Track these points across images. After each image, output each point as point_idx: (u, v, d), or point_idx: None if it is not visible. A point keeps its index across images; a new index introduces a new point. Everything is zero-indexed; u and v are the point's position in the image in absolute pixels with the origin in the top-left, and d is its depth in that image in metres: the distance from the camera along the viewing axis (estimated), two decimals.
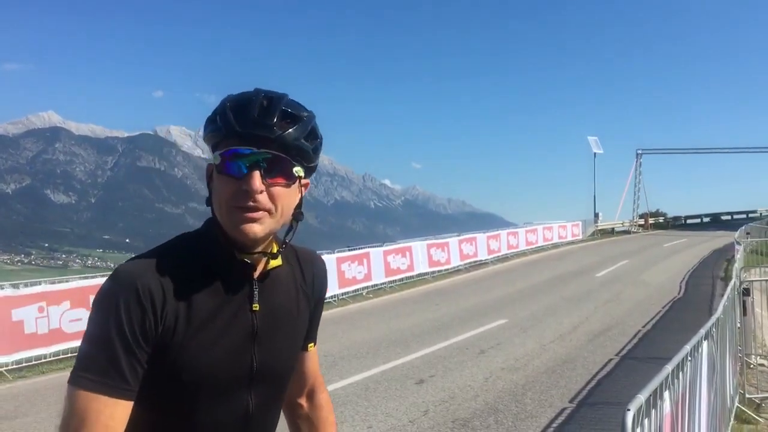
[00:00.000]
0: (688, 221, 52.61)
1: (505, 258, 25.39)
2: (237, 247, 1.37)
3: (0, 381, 9.08)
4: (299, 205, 1.44)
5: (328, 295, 11.83)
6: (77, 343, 9.19)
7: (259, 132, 1.31)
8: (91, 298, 10.23)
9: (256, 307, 1.42)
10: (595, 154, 46.51)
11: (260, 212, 1.32)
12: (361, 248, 18.06)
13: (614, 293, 15.95)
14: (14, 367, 9.41)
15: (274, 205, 1.34)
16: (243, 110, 1.33)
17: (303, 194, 1.45)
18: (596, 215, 42.24)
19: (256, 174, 1.31)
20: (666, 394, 2.73)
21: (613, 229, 43.45)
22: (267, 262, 1.44)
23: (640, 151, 52.21)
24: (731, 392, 6.16)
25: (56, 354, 9.92)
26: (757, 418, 6.56)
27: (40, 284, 10.80)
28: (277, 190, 1.34)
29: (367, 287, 16.96)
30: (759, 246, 21.32)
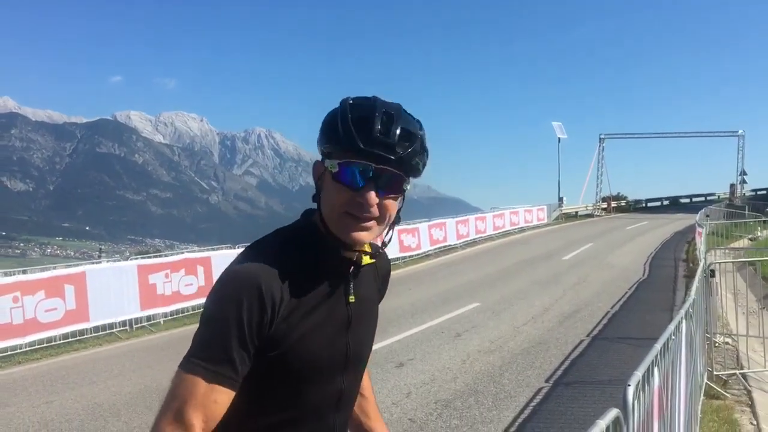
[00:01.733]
0: (649, 204, 53.80)
1: (473, 242, 25.72)
2: (340, 244, 1.47)
3: None
4: (399, 210, 1.52)
5: None
6: (53, 332, 9.18)
7: (381, 151, 1.38)
8: (66, 287, 10.22)
9: (351, 299, 1.55)
10: (559, 139, 47.07)
11: (371, 222, 1.43)
12: None
13: (581, 276, 16.33)
14: None
15: (382, 215, 1.44)
16: (365, 126, 1.38)
17: (403, 200, 1.53)
18: (560, 199, 42.86)
19: (373, 188, 1.40)
20: (656, 371, 2.91)
21: (576, 212, 44.21)
22: (360, 259, 1.56)
23: (602, 136, 53.10)
24: (701, 369, 6.45)
25: (32, 344, 9.84)
26: (724, 393, 6.88)
27: (14, 275, 10.67)
28: (388, 202, 1.44)
29: None
30: (717, 228, 22.03)
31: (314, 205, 1.52)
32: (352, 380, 1.62)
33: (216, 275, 12.69)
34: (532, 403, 6.74)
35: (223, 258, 13.82)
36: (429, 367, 8.19)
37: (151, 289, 11.60)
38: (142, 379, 8.27)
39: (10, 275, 10.65)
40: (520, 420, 6.30)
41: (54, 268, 11.72)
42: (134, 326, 11.46)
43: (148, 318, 11.74)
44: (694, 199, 54.89)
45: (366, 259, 1.57)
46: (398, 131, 1.40)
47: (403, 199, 1.53)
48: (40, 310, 9.84)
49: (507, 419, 6.30)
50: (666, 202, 54.89)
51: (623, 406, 2.27)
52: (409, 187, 1.49)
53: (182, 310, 12.41)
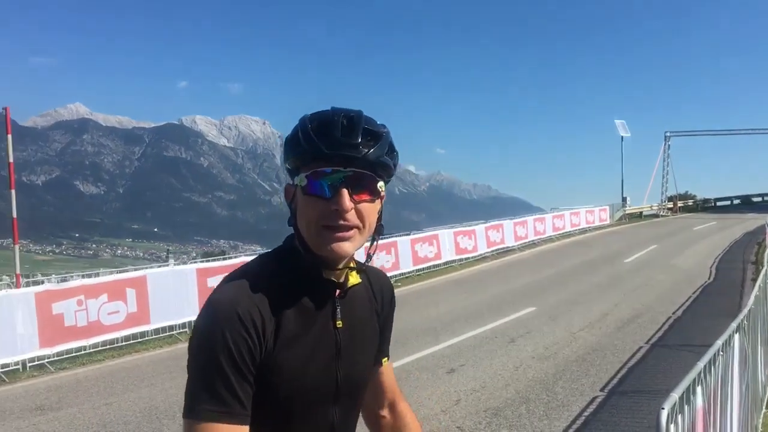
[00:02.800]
0: (718, 204, 51.79)
1: (532, 244, 25.33)
2: (322, 265, 1.41)
3: (43, 373, 9.38)
4: (379, 218, 1.47)
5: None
6: (115, 334, 9.47)
7: (346, 152, 1.34)
8: (128, 290, 10.55)
9: (339, 323, 1.47)
10: (622, 137, 45.91)
11: (351, 230, 1.37)
12: (390, 236, 18.18)
13: (644, 279, 15.89)
14: (56, 359, 9.71)
15: (361, 221, 1.38)
16: (327, 131, 1.35)
17: (382, 205, 1.47)
18: (624, 199, 41.77)
19: (345, 192, 1.34)
20: (698, 390, 2.79)
21: (641, 213, 42.98)
22: (347, 280, 1.49)
23: (668, 134, 51.42)
24: (763, 381, 6.17)
25: (95, 345, 10.21)
26: None
27: (78, 278, 11.11)
28: (364, 206, 1.38)
29: (394, 276, 17.08)
30: None
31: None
32: (346, 412, 1.53)
33: None
34: (585, 413, 6.60)
35: None
36: (480, 374, 8.12)
37: (210, 292, 11.83)
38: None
39: (72, 279, 11.06)
40: (572, 430, 6.17)
41: (117, 271, 12.13)
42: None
43: None
44: (766, 198, 52.58)
45: (353, 278, 1.51)
46: (360, 131, 1.37)
47: (382, 204, 1.47)
48: (103, 313, 10.20)
49: (558, 429, 6.18)
50: (737, 201, 52.73)
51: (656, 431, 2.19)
52: (383, 190, 1.43)
53: None
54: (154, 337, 11.08)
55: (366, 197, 1.39)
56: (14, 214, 12.99)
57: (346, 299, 1.51)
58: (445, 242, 19.60)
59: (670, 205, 46.69)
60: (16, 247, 13.06)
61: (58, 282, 11.40)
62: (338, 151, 1.34)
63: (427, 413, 6.67)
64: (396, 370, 8.10)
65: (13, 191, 13.12)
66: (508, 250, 23.30)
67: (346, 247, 1.37)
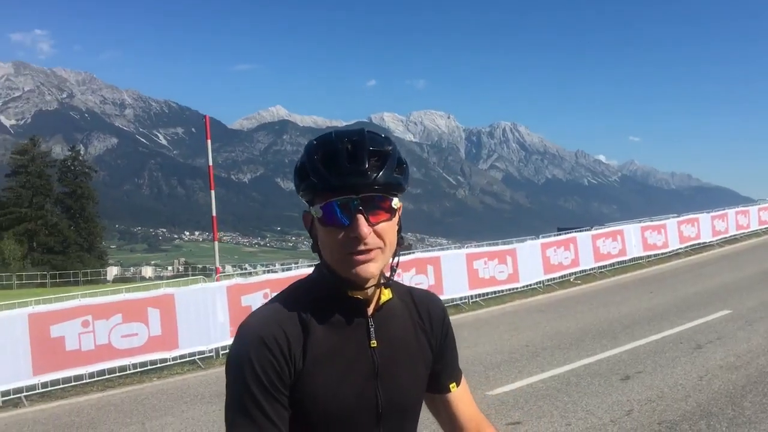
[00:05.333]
0: None
1: (733, 239, 23.05)
2: (350, 286, 1.41)
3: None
4: (399, 231, 1.47)
5: (531, 281, 11.70)
6: None
7: (356, 180, 1.35)
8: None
9: (374, 343, 1.45)
10: None
11: (372, 252, 1.37)
12: (568, 232, 17.57)
13: None
14: None
15: (382, 240, 1.38)
16: (333, 162, 1.36)
17: (399, 217, 1.47)
18: None
19: (361, 219, 1.34)
20: None
21: None
22: (379, 298, 1.48)
23: None
24: None
25: None
26: None
27: (264, 273, 11.99)
28: (382, 227, 1.38)
29: (574, 273, 16.46)
30: None
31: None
32: None
33: (445, 276, 13.09)
34: None
35: (453, 258, 14.11)
36: (658, 383, 7.55)
37: None
38: None
39: (256, 274, 11.91)
40: None
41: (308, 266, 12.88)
42: None
43: None
44: None
45: (385, 296, 1.49)
46: (366, 155, 1.36)
47: (399, 217, 1.46)
48: None
49: None
50: None
51: None
52: (399, 204, 1.42)
53: None
54: None
55: (382, 218, 1.39)
56: (213, 213, 14.31)
57: (381, 317, 1.49)
58: (631, 238, 18.50)
59: None
60: (215, 243, 14.39)
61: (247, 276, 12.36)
62: (347, 180, 1.35)
63: (595, 423, 6.35)
64: (566, 374, 7.83)
65: (212, 192, 14.46)
66: (703, 246, 21.45)
67: (371, 269, 1.37)
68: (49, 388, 8.88)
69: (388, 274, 1.51)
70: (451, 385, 1.67)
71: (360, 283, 1.40)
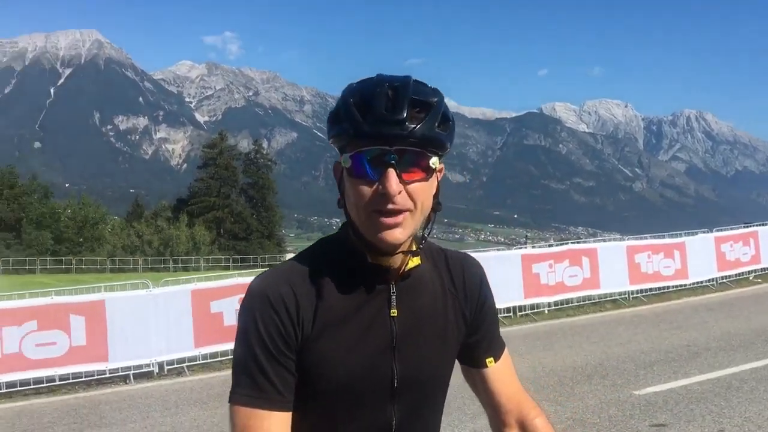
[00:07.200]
0: None
1: None
2: (374, 251, 1.30)
3: None
4: (436, 195, 1.33)
5: (702, 278, 10.77)
6: None
7: (391, 129, 1.21)
8: None
9: (394, 312, 1.33)
10: None
11: (401, 215, 1.24)
12: (748, 225, 15.99)
13: None
14: None
15: (413, 202, 1.25)
16: (369, 106, 1.23)
17: (439, 181, 1.34)
18: None
19: (392, 174, 1.21)
20: None
21: None
22: (405, 263, 1.34)
23: None
24: None
25: None
26: None
27: None
28: (415, 186, 1.25)
29: (753, 270, 14.96)
30: None
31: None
32: (410, 413, 1.37)
33: (602, 268, 12.54)
34: None
35: (612, 250, 13.41)
36: None
37: (534, 279, 11.91)
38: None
39: None
40: None
41: None
42: (518, 314, 11.94)
43: (532, 306, 12.08)
44: None
45: (412, 262, 1.35)
46: (407, 103, 1.22)
47: (438, 180, 1.33)
48: None
49: None
50: None
51: None
52: (439, 165, 1.29)
53: (566, 301, 12.44)
54: None
55: (417, 176, 1.25)
56: None
57: (405, 285, 1.35)
58: None
59: None
60: None
61: None
62: (382, 129, 1.22)
63: (752, 430, 5.74)
64: (728, 377, 7.20)
65: None
66: None
67: (396, 234, 1.24)
68: (208, 360, 9.61)
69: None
70: (488, 360, 1.52)
71: (384, 250, 1.28)
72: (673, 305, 12.89)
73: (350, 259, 1.33)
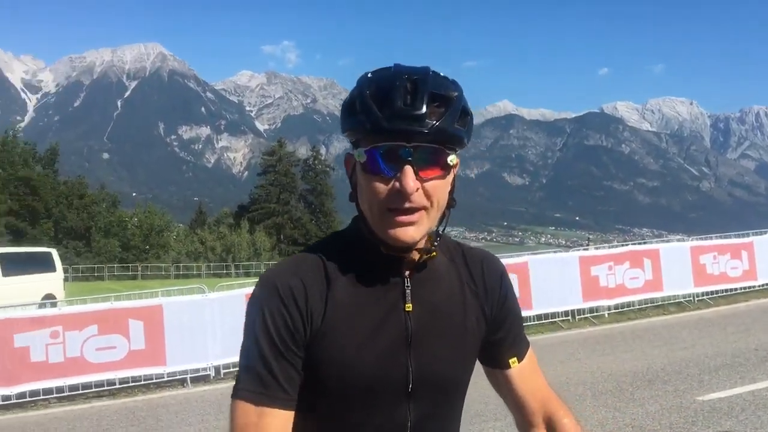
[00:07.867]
0: None
1: None
2: (387, 247, 1.25)
3: None
4: (452, 191, 1.29)
5: None
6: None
7: (409, 125, 1.17)
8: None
9: (408, 307, 1.27)
10: None
11: (416, 213, 1.20)
12: None
13: None
14: None
15: (429, 200, 1.21)
16: (387, 100, 1.18)
17: (455, 177, 1.30)
18: None
19: (409, 171, 1.17)
20: None
21: None
22: (421, 255, 1.29)
23: None
24: None
25: None
26: None
27: None
28: (432, 184, 1.21)
29: None
30: None
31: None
32: (427, 410, 1.30)
33: (665, 269, 12.15)
34: None
35: (675, 251, 12.96)
36: None
37: (593, 281, 11.61)
38: (566, 369, 8.37)
39: None
40: None
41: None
42: (576, 317, 11.66)
43: (591, 310, 11.78)
44: None
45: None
46: (426, 98, 1.17)
47: (455, 176, 1.28)
48: None
49: None
50: None
51: None
52: (455, 161, 1.24)
53: (627, 304, 12.07)
54: (536, 323, 11.30)
55: (434, 174, 1.21)
56: None
57: (421, 279, 1.30)
58: None
59: None
60: None
61: None
62: (400, 125, 1.17)
63: None
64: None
65: None
66: None
67: (411, 232, 1.21)
68: None
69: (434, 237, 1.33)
70: (511, 360, 1.45)
71: (397, 247, 1.24)
72: (741, 308, 12.38)
73: (363, 251, 1.29)
